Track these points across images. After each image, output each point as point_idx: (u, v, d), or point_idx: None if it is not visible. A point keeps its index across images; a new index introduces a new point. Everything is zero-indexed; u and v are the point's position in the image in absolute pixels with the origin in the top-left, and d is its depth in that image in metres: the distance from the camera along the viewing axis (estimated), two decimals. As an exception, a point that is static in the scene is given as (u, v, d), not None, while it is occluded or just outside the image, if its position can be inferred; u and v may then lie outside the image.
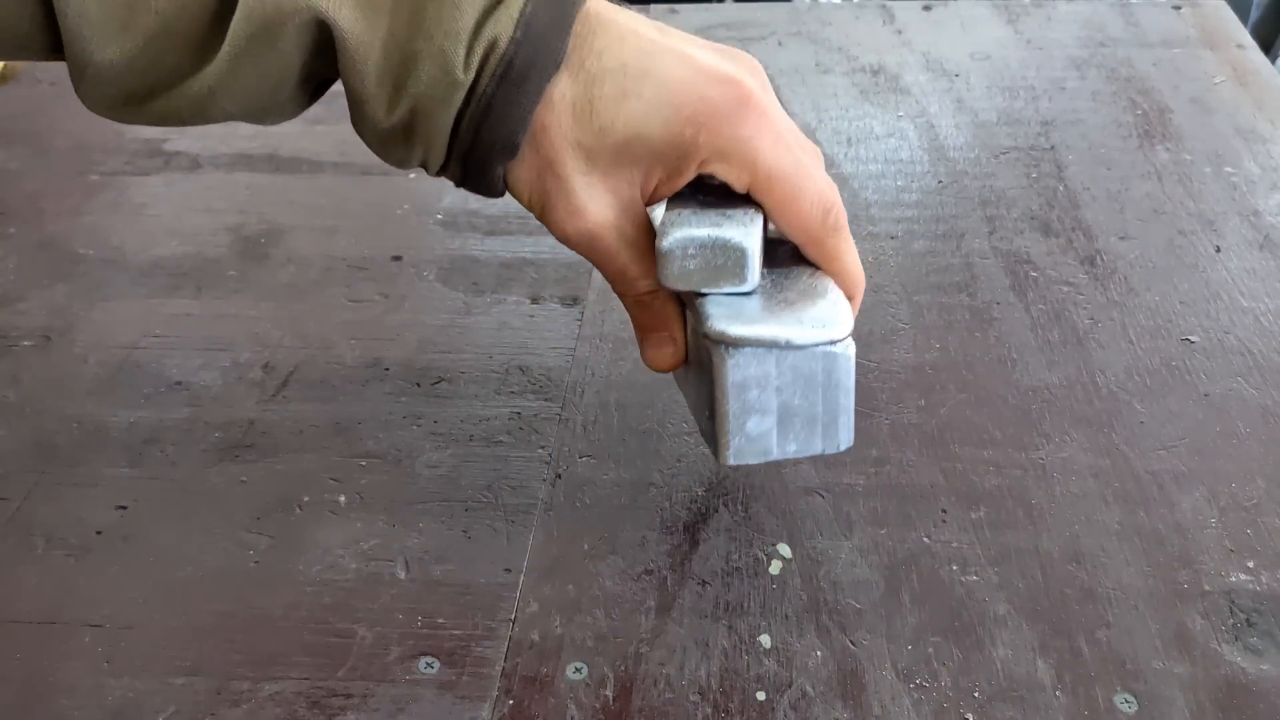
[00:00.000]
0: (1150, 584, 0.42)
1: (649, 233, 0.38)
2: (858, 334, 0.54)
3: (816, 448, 0.38)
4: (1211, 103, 0.72)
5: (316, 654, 0.41)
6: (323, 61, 0.36)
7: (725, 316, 0.35)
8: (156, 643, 0.42)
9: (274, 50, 0.35)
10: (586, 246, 0.38)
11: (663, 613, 0.42)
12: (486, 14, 0.34)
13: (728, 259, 0.35)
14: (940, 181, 0.66)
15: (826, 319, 0.36)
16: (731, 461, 0.38)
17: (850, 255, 0.38)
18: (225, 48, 0.34)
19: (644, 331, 0.41)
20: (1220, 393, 0.51)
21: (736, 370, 0.36)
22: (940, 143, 0.69)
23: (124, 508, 0.47)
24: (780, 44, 0.81)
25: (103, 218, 0.65)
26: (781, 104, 0.38)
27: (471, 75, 0.35)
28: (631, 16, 0.37)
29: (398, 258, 0.61)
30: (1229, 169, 0.66)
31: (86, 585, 0.44)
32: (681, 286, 0.36)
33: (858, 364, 0.52)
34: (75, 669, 0.41)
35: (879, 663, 0.40)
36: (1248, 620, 0.41)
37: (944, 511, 0.46)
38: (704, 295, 0.36)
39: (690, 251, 0.35)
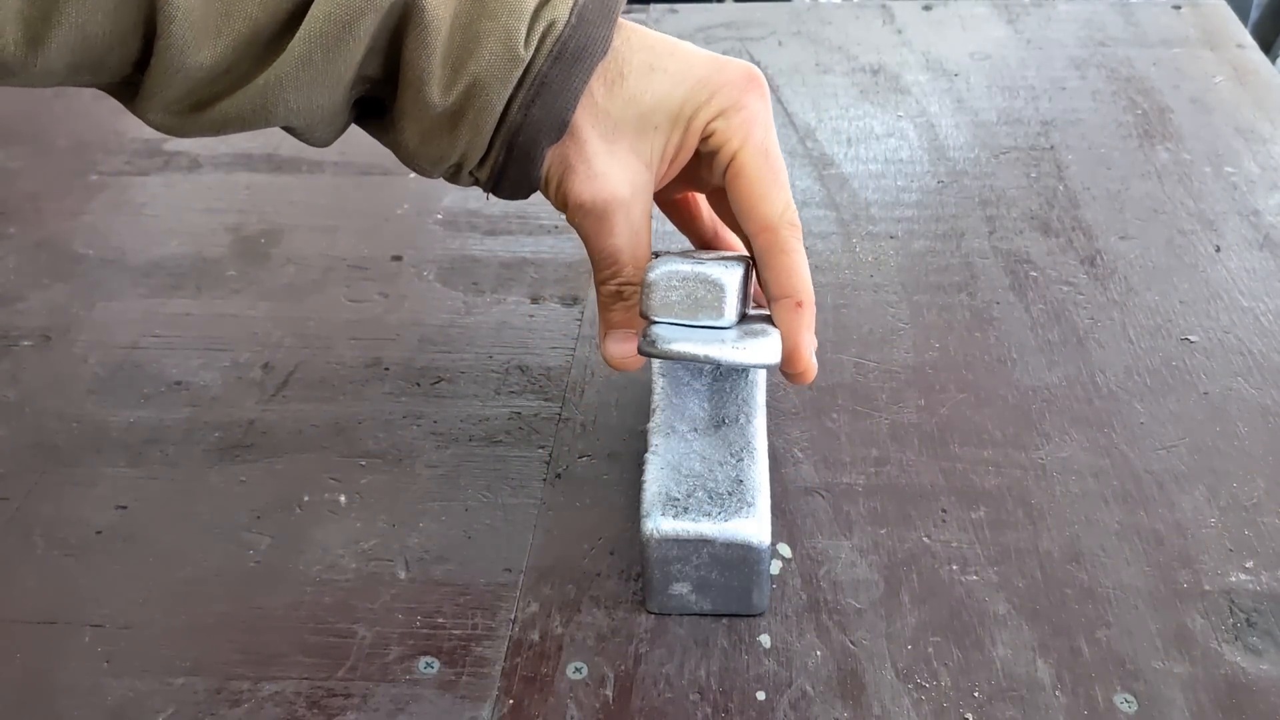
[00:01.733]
0: (1150, 584, 0.42)
1: (649, 222, 0.41)
2: (858, 334, 0.55)
3: (733, 609, 0.42)
4: (1211, 102, 0.72)
5: (316, 654, 0.41)
6: (380, 61, 0.38)
7: (664, 338, 0.38)
8: (156, 643, 0.42)
9: (348, 36, 0.36)
10: (596, 216, 0.40)
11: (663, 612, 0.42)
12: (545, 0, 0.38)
13: (708, 292, 0.38)
14: (940, 181, 0.66)
15: (755, 347, 0.39)
16: (655, 611, 0.42)
17: (799, 256, 0.40)
18: (300, 34, 0.35)
19: (610, 327, 0.43)
20: (1220, 392, 0.51)
21: (659, 550, 0.40)
22: (940, 142, 0.69)
23: (124, 507, 0.47)
24: (780, 44, 0.81)
25: (103, 218, 0.65)
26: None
27: (530, 53, 0.37)
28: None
29: (398, 258, 0.61)
30: (1229, 169, 0.66)
31: (86, 585, 0.44)
32: (664, 316, 0.39)
33: (857, 364, 0.53)
34: (75, 669, 0.41)
35: (879, 662, 0.40)
36: (1248, 620, 0.41)
37: (944, 511, 0.46)
38: (657, 322, 0.39)
39: (674, 283, 0.38)
